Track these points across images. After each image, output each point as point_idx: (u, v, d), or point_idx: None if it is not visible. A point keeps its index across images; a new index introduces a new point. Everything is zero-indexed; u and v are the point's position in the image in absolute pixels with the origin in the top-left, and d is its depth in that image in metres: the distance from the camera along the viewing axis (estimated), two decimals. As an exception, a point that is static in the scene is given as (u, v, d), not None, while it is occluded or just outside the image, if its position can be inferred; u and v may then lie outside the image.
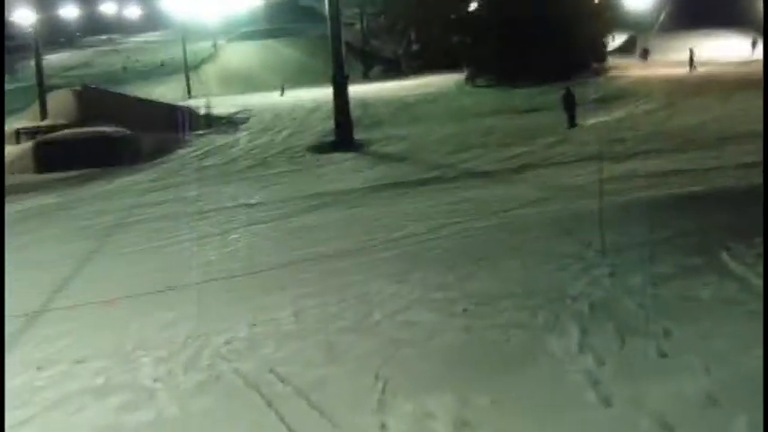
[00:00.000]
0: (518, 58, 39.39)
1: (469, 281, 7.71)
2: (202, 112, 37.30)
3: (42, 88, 33.98)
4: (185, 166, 22.97)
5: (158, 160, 25.48)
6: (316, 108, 33.81)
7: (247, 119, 34.95)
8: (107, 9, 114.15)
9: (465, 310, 6.65)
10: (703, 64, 39.32)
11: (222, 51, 75.22)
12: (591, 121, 24.12)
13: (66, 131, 27.97)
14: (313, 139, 26.87)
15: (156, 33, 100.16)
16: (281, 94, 44.01)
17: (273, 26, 77.59)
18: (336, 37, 25.21)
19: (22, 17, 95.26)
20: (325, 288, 7.94)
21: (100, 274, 10.15)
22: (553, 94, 33.11)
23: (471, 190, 14.52)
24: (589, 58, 42.53)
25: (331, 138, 25.39)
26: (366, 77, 56.48)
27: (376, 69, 60.73)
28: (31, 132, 32.10)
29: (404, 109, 34.01)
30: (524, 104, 31.14)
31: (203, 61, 69.71)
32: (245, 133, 30.09)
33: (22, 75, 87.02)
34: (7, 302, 7.40)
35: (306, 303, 7.41)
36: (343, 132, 24.90)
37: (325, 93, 25.87)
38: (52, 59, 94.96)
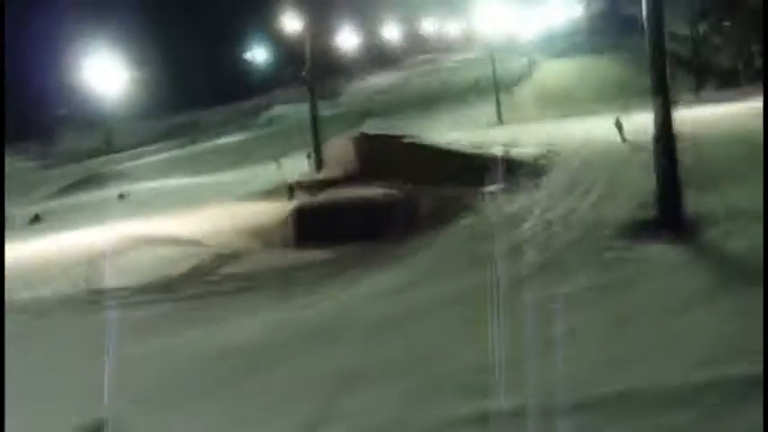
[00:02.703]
0: None
1: None
2: (500, 153, 31.73)
3: (318, 134, 30.18)
4: (451, 258, 17.47)
5: (427, 239, 20.27)
6: (636, 148, 26.51)
7: (552, 166, 28.73)
8: (427, 27, 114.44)
9: None
10: None
11: (538, 70, 69.67)
12: None
13: (329, 196, 23.83)
14: (629, 208, 19.86)
15: (475, 51, 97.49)
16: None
17: (594, 39, 70.81)
18: (659, 60, 17.56)
19: (344, 40, 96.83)
20: None
21: None
22: None
23: None
24: None
25: (652, 209, 18.09)
26: (698, 95, 47.71)
27: (710, 85, 51.67)
28: (307, 188, 28.59)
29: (751, 153, 25.18)
30: None
31: (516, 82, 64.74)
32: (542, 194, 23.94)
33: (345, 99, 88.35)
34: None
35: None
36: (669, 203, 17.40)
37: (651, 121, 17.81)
38: (370, 81, 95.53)
